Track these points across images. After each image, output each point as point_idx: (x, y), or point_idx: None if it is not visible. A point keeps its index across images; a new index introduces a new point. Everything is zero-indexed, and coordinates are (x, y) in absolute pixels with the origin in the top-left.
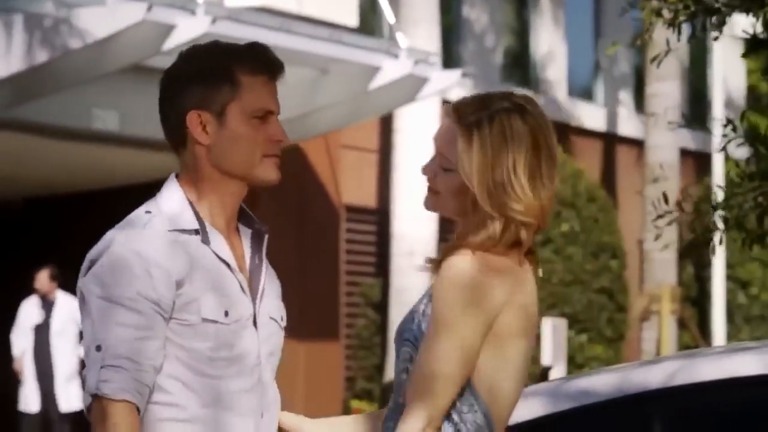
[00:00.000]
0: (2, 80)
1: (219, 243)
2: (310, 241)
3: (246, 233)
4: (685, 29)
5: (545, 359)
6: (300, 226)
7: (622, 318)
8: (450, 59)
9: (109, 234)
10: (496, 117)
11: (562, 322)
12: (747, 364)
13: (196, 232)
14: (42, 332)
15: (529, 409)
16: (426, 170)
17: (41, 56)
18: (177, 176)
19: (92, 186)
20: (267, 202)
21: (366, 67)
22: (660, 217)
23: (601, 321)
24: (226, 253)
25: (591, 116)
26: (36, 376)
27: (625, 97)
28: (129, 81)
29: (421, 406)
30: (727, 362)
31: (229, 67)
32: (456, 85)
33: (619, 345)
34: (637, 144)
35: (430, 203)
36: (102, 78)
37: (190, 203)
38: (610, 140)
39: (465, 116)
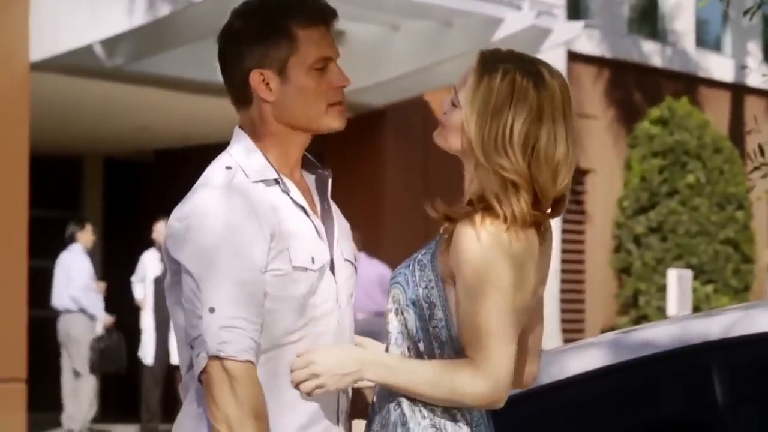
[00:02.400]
0: (125, 34)
1: (295, 191)
2: (435, 191)
3: (309, 179)
4: None
5: (671, 310)
6: (425, 177)
7: (749, 269)
8: (577, 11)
9: (197, 195)
10: (510, 73)
11: (688, 273)
12: None
13: (276, 182)
14: (162, 284)
15: (589, 360)
16: (444, 104)
17: (163, 9)
18: (242, 127)
19: (220, 138)
20: (392, 152)
21: (489, 18)
22: (756, 168)
23: (727, 272)
24: (302, 200)
25: (719, 67)
26: (155, 328)
27: (754, 48)
28: None
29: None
30: None
31: (285, 23)
32: (580, 37)
33: (745, 296)
34: (766, 95)
35: (438, 137)
36: None
37: (263, 154)
38: (737, 91)
39: (485, 62)
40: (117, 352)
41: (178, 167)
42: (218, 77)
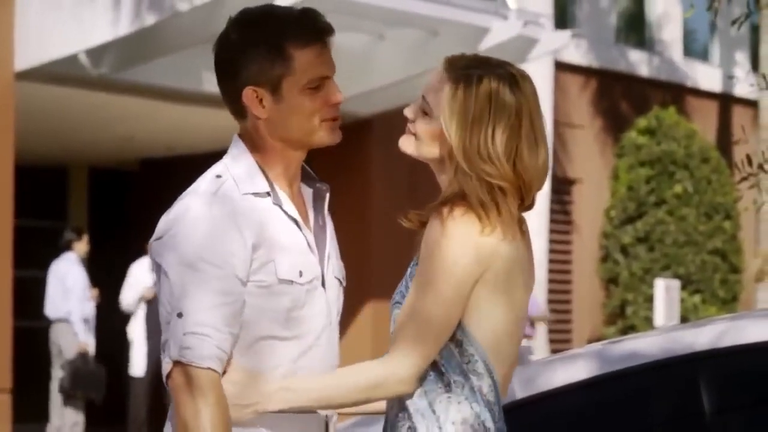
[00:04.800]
0: (111, 43)
1: (288, 203)
2: (422, 200)
3: (307, 193)
4: None
5: (658, 320)
6: (411, 186)
7: (736, 279)
8: (565, 20)
9: (183, 201)
10: (485, 79)
11: (675, 284)
12: None
13: (268, 194)
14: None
15: (576, 370)
16: (408, 112)
17: (149, 19)
18: (241, 137)
19: (207, 148)
20: (378, 161)
21: (475, 28)
22: (744, 179)
23: (714, 282)
24: (295, 213)
25: (706, 77)
26: (146, 340)
27: (741, 57)
28: None
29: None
30: None
31: (281, 43)
32: (568, 46)
33: (732, 306)
34: (753, 105)
35: (408, 145)
36: (211, 41)
37: (259, 165)
38: (725, 101)
39: (456, 68)
40: (96, 380)
41: (163, 177)
42: (204, 87)
